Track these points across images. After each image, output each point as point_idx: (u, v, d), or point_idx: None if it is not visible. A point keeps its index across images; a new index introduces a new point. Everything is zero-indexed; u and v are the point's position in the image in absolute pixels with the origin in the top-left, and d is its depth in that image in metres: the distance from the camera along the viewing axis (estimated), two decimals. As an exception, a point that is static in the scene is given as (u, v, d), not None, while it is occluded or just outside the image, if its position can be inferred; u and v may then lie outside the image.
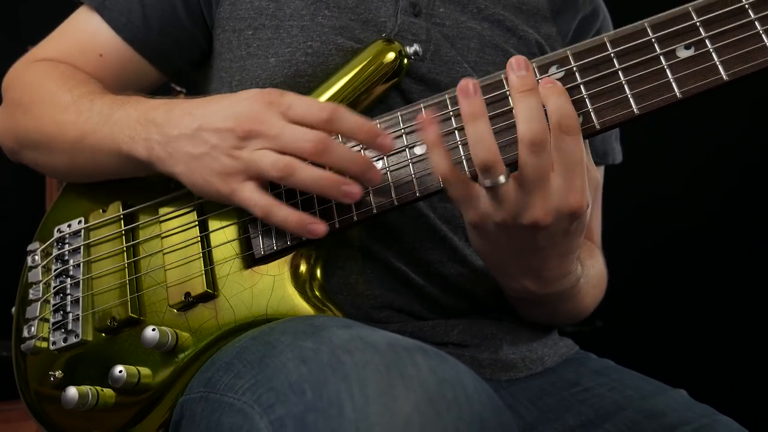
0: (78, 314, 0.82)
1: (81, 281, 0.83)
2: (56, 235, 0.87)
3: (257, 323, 0.74)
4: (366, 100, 0.81)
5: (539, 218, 0.66)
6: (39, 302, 0.84)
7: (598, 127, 0.67)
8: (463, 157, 0.70)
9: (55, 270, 0.85)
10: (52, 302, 0.84)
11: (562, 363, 0.89)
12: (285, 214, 0.71)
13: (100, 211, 0.86)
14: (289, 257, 0.76)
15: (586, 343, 0.96)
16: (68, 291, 0.83)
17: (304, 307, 0.74)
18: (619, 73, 0.67)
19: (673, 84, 0.65)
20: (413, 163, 0.72)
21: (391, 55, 0.80)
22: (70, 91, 0.85)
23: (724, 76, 0.64)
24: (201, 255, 0.78)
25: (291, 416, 0.52)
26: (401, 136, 0.73)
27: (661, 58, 0.66)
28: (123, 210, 0.85)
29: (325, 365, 0.53)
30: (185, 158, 0.73)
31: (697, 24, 0.65)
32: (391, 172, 0.73)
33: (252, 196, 0.71)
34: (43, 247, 0.88)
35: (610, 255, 0.98)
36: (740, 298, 2.07)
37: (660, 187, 2.15)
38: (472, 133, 0.65)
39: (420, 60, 0.84)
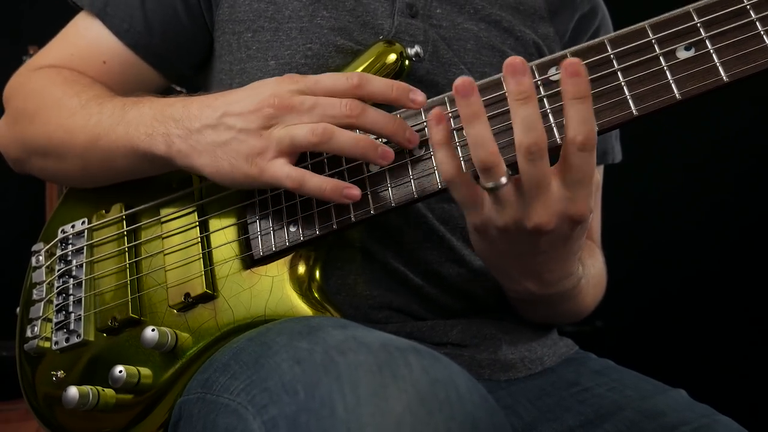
0: (80, 314, 0.82)
1: (83, 281, 0.84)
2: (60, 235, 0.87)
3: (256, 324, 0.74)
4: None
5: (542, 224, 0.65)
6: (42, 302, 0.85)
7: (597, 128, 0.67)
8: (462, 159, 0.70)
9: (58, 270, 0.85)
10: (55, 302, 0.84)
11: (561, 363, 0.89)
12: (319, 180, 0.71)
13: (103, 212, 0.86)
14: (288, 258, 0.76)
15: (586, 343, 0.96)
16: (71, 291, 0.84)
17: (303, 308, 0.74)
18: (619, 74, 0.66)
19: (673, 85, 0.65)
20: (412, 164, 0.72)
21: (392, 57, 0.80)
22: (76, 95, 0.84)
23: (724, 78, 0.64)
24: (201, 256, 0.79)
25: (283, 416, 0.52)
26: None
27: (661, 59, 0.66)
28: (125, 211, 0.85)
29: (318, 366, 0.54)
30: (209, 148, 0.73)
31: (698, 25, 0.65)
32: (389, 172, 0.73)
33: (282, 169, 0.71)
34: (47, 247, 0.88)
35: (610, 254, 0.99)
36: (740, 298, 2.07)
37: (660, 187, 2.14)
38: (471, 135, 0.64)
39: (420, 61, 0.84)
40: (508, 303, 0.89)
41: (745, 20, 0.64)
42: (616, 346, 1.39)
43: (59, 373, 0.82)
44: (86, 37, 0.92)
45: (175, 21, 0.90)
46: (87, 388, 0.75)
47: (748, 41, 0.63)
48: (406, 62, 0.81)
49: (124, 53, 0.90)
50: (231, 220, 0.80)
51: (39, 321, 0.84)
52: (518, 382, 0.85)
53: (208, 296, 0.77)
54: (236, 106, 0.72)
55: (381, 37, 0.83)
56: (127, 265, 0.82)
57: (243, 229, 0.79)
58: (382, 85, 0.72)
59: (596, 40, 0.68)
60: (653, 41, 0.66)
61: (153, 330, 0.74)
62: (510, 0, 0.92)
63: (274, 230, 0.77)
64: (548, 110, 0.68)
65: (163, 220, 0.82)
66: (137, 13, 0.89)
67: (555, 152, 0.65)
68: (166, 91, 0.97)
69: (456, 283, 0.86)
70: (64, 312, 0.83)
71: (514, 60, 0.62)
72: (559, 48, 0.93)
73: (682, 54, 0.65)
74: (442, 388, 0.51)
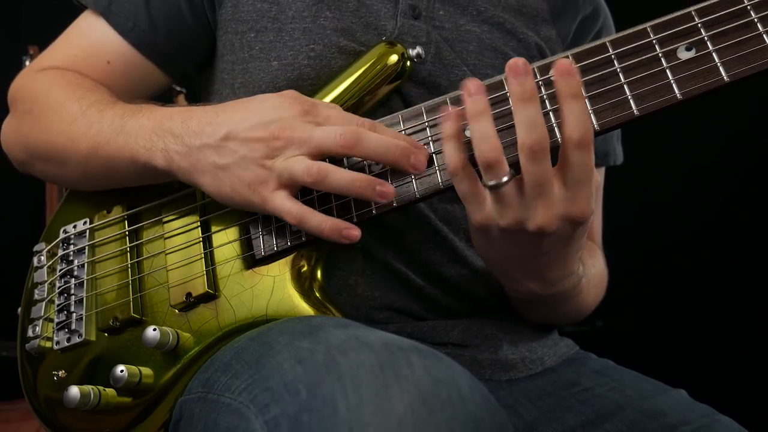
0: (81, 314, 0.82)
1: (85, 281, 0.84)
2: (61, 235, 0.88)
3: (257, 324, 0.74)
4: (370, 101, 0.81)
5: (545, 225, 0.65)
6: (44, 302, 0.85)
7: (597, 128, 0.67)
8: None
9: (60, 270, 0.86)
10: (57, 302, 0.84)
11: (562, 363, 0.89)
12: (319, 220, 0.71)
13: (105, 212, 0.87)
14: (289, 258, 0.77)
15: (586, 343, 0.96)
16: (72, 291, 0.84)
17: (304, 308, 0.74)
18: (620, 74, 0.67)
19: (674, 85, 0.65)
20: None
21: (394, 57, 0.80)
22: (78, 100, 0.84)
23: (725, 78, 0.64)
24: (202, 255, 0.79)
25: (285, 416, 0.52)
26: None
27: (662, 59, 0.66)
28: (127, 211, 0.85)
29: (320, 365, 0.54)
30: (211, 169, 0.73)
31: (699, 25, 0.65)
32: (391, 173, 0.73)
33: (284, 204, 0.71)
34: (48, 247, 0.88)
35: (610, 254, 0.99)
36: (740, 298, 2.07)
37: (661, 188, 2.15)
38: (476, 131, 0.64)
39: (421, 63, 0.84)
40: (509, 303, 0.89)
41: (746, 20, 0.64)
42: (616, 346, 1.40)
43: (60, 372, 0.82)
44: (90, 36, 0.92)
45: (179, 20, 0.90)
46: (88, 387, 0.75)
47: (749, 42, 0.63)
48: (408, 63, 0.81)
49: (128, 52, 0.90)
50: (232, 220, 0.80)
51: (40, 321, 0.84)
52: (519, 382, 0.85)
53: (210, 296, 0.77)
54: (239, 129, 0.72)
55: (383, 38, 0.84)
56: (129, 265, 0.82)
57: (244, 228, 0.79)
58: (380, 148, 0.71)
59: (598, 41, 0.68)
60: (654, 42, 0.66)
61: (154, 330, 0.74)
62: (513, 2, 0.92)
63: (275, 230, 0.77)
64: (549, 110, 0.68)
65: (165, 220, 0.83)
66: (141, 12, 0.89)
67: (557, 152, 0.66)
68: (168, 92, 0.97)
69: (458, 284, 0.86)
70: (65, 312, 0.83)
71: (516, 61, 0.63)
72: (561, 50, 0.93)
73: (683, 54, 0.65)
74: (444, 388, 0.51)
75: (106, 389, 0.76)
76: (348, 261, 0.83)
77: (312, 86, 0.83)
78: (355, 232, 0.71)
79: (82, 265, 0.85)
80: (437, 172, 0.71)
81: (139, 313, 0.80)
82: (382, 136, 0.71)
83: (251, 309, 0.76)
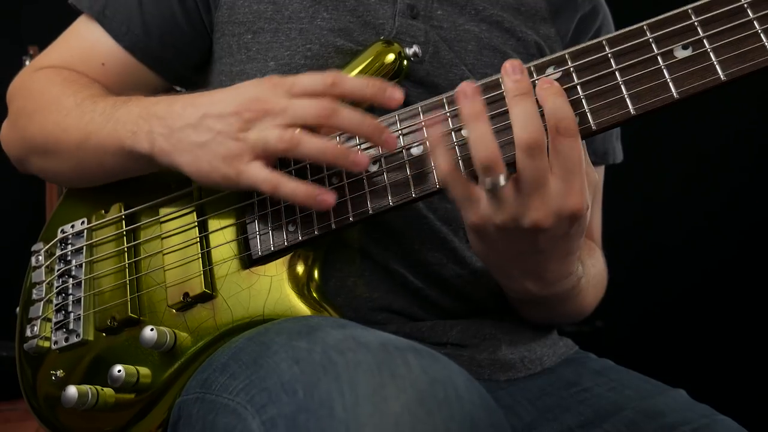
0: (79, 314, 0.83)
1: (83, 281, 0.84)
2: (59, 235, 0.88)
3: (254, 324, 0.74)
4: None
5: (539, 221, 0.66)
6: (42, 302, 0.85)
7: (594, 127, 0.67)
8: (459, 158, 0.70)
9: (58, 270, 0.86)
10: (55, 302, 0.84)
11: (561, 363, 0.89)
12: (293, 186, 0.71)
13: (102, 212, 0.87)
14: (286, 258, 0.77)
15: (586, 343, 0.96)
16: (70, 291, 0.84)
17: (301, 308, 0.74)
18: (616, 73, 0.66)
19: (671, 84, 0.65)
20: (410, 164, 0.72)
21: (390, 57, 0.80)
22: (73, 94, 0.85)
23: (721, 76, 0.64)
24: (200, 255, 0.79)
25: (282, 416, 0.52)
26: (399, 137, 0.73)
27: (659, 58, 0.66)
28: (124, 211, 0.85)
29: (317, 365, 0.54)
30: (190, 147, 0.73)
31: (695, 24, 0.65)
32: (387, 173, 0.73)
33: (259, 173, 0.71)
34: (46, 247, 0.88)
35: (610, 254, 0.98)
36: (740, 298, 2.07)
37: (661, 187, 2.14)
38: (472, 134, 0.65)
39: (419, 62, 0.84)
40: (508, 304, 0.89)
41: (743, 19, 0.64)
42: (616, 346, 1.39)
43: (59, 372, 0.82)
44: (86, 39, 0.93)
45: (173, 24, 0.90)
46: (86, 387, 0.75)
47: (746, 40, 0.63)
48: (405, 62, 0.81)
49: (122, 56, 0.91)
50: (230, 220, 0.80)
51: (39, 321, 0.84)
52: (518, 382, 0.85)
53: (207, 296, 0.77)
54: (217, 107, 0.73)
55: (380, 38, 0.83)
56: (127, 265, 0.82)
57: (242, 228, 0.79)
58: (356, 83, 0.72)
59: (594, 40, 0.68)
60: (651, 41, 0.66)
61: (152, 329, 0.74)
62: (511, 1, 0.92)
63: (272, 230, 0.77)
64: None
65: (162, 219, 0.83)
66: (135, 17, 0.90)
67: None
68: (166, 91, 0.97)
69: (456, 285, 0.86)
70: (63, 312, 0.83)
71: (510, 62, 0.66)
72: (560, 48, 0.92)
73: (680, 53, 0.65)
74: (441, 388, 0.51)
75: (104, 389, 0.76)
76: (346, 262, 0.83)
77: None
78: (329, 197, 0.70)
79: (80, 265, 0.85)
80: (433, 172, 0.71)
81: (136, 312, 0.80)
82: (357, 111, 0.71)
83: (248, 309, 0.76)
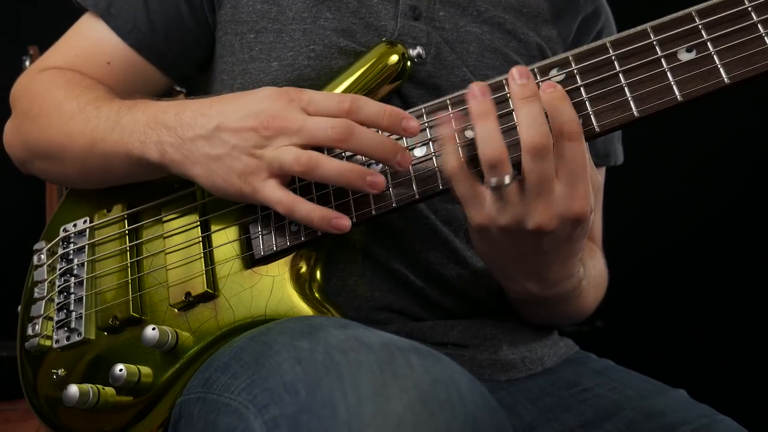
0: (81, 313, 0.82)
1: (84, 280, 0.84)
2: (61, 234, 0.88)
3: (256, 323, 0.74)
4: None
5: (543, 224, 0.66)
6: (43, 301, 0.85)
7: (597, 130, 0.67)
8: (462, 159, 0.70)
9: (60, 269, 0.86)
10: (56, 301, 0.84)
11: (561, 363, 0.89)
12: (309, 209, 0.71)
13: (105, 211, 0.87)
14: (288, 258, 0.77)
15: (586, 343, 0.96)
16: (72, 290, 0.84)
17: (303, 308, 0.74)
18: (620, 75, 0.67)
19: (674, 87, 0.65)
20: (413, 165, 0.72)
21: (394, 58, 0.80)
22: (76, 98, 0.84)
23: (725, 79, 0.64)
24: (202, 255, 0.79)
25: (285, 416, 0.52)
26: (402, 138, 0.73)
27: (663, 60, 0.66)
28: (127, 210, 0.85)
29: (319, 365, 0.54)
30: (203, 159, 0.73)
31: (699, 27, 0.65)
32: (389, 173, 0.73)
33: (275, 193, 0.71)
34: (48, 246, 0.88)
35: (610, 255, 0.99)
36: (740, 298, 2.07)
37: (661, 188, 2.15)
38: (480, 131, 0.65)
39: (422, 63, 0.84)
40: (509, 304, 0.89)
41: (747, 23, 0.64)
42: (616, 346, 1.39)
43: (60, 371, 0.82)
44: (90, 38, 0.92)
45: (178, 21, 0.90)
46: (87, 386, 0.75)
47: (750, 43, 0.63)
48: (408, 63, 0.81)
49: (127, 54, 0.90)
50: (232, 220, 0.80)
51: (40, 319, 0.84)
52: (518, 382, 0.85)
53: (209, 295, 0.77)
54: (231, 119, 0.72)
55: (384, 39, 0.83)
56: (129, 264, 0.82)
57: (244, 228, 0.79)
58: (372, 112, 0.71)
59: (598, 42, 0.68)
60: (655, 43, 0.66)
61: (154, 329, 0.74)
62: (513, 2, 0.92)
63: (275, 230, 0.77)
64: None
65: (165, 219, 0.83)
66: (141, 14, 0.89)
67: None
68: (169, 92, 0.97)
69: (458, 285, 0.86)
70: (65, 310, 0.83)
71: (518, 68, 0.66)
72: (562, 50, 0.93)
73: (684, 56, 0.65)
74: (444, 388, 0.51)
75: (106, 388, 0.76)
76: (348, 262, 0.83)
77: (312, 87, 0.82)
78: (345, 222, 0.71)
79: (82, 264, 0.85)
80: (436, 173, 0.71)
81: (138, 312, 0.80)
82: (373, 133, 0.71)
83: (250, 309, 0.76)
